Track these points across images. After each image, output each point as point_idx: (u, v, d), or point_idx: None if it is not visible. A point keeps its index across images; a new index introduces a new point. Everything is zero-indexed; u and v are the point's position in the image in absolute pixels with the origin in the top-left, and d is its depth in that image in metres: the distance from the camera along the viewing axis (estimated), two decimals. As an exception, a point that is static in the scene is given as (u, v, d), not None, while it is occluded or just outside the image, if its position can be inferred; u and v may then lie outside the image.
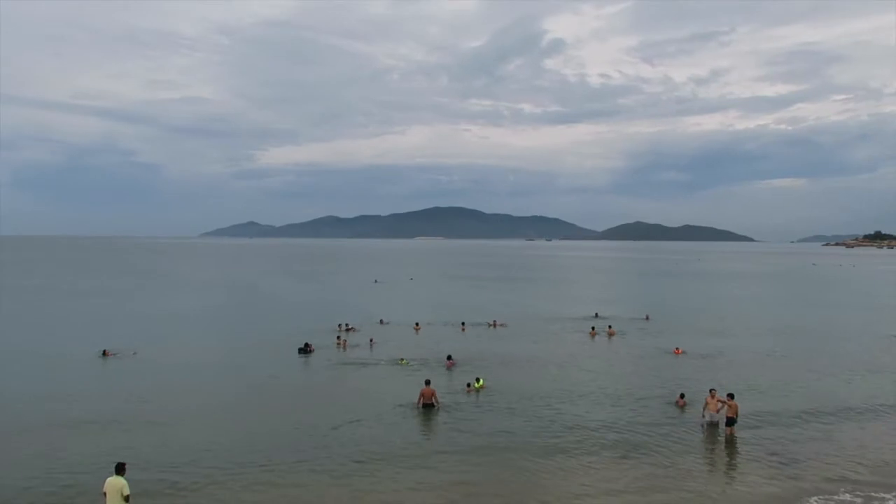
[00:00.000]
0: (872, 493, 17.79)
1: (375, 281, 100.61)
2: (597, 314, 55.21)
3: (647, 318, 54.47)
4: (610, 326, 47.46)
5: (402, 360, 35.15)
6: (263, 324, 51.61)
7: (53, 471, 18.82)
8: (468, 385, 29.07)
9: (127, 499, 14.98)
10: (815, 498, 17.43)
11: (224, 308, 64.42)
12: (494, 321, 50.50)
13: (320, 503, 17.06)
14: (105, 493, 15.07)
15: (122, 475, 15.26)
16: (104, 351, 36.58)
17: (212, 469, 19.04)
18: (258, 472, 18.80)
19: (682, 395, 26.74)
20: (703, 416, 24.13)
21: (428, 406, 25.80)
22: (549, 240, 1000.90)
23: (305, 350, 37.96)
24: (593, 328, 47.18)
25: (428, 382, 26.70)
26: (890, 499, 17.47)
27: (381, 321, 50.36)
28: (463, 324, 49.09)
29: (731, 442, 22.21)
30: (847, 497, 17.54)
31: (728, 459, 20.93)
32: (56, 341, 41.95)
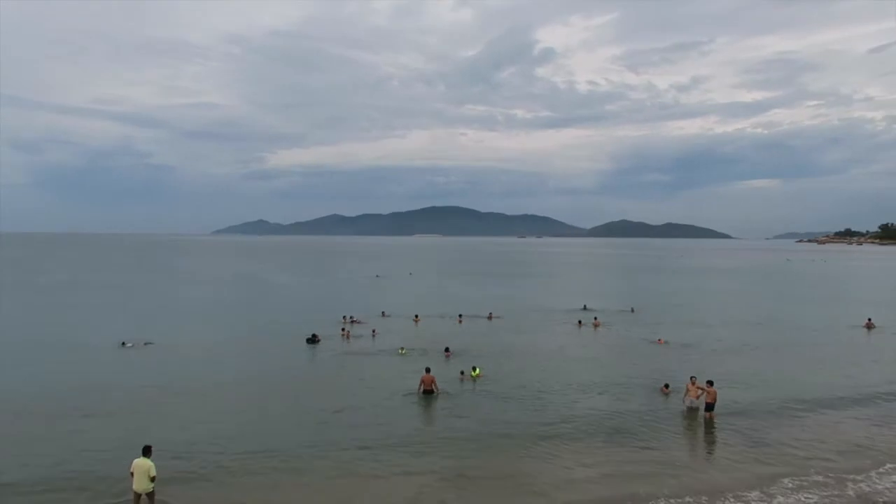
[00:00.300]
0: (843, 475, 17.87)
1: (377, 276, 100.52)
2: (585, 306, 55.25)
3: (633, 310, 54.53)
4: (595, 318, 47.56)
5: (402, 349, 35.14)
6: (273, 315, 51.48)
7: (76, 456, 18.86)
8: (461, 373, 29.07)
9: (153, 479, 15.16)
10: (789, 479, 17.50)
11: (236, 301, 64.33)
12: (490, 313, 50.52)
13: (325, 487, 17.05)
14: (132, 473, 15.23)
15: (149, 457, 15.43)
16: (123, 342, 36.56)
17: (221, 454, 19.07)
18: (265, 458, 18.81)
19: (667, 385, 26.75)
20: (685, 402, 24.21)
21: (428, 392, 25.83)
22: (540, 237, 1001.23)
23: (313, 340, 38.00)
24: (580, 321, 47.33)
25: (428, 370, 26.71)
26: (861, 479, 17.55)
27: (383, 313, 50.34)
28: (460, 316, 49.06)
29: (710, 426, 22.28)
30: (819, 478, 17.60)
31: (707, 443, 21.00)
32: (79, 332, 41.82)
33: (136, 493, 15.20)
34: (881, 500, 16.28)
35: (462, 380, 28.41)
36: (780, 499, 16.25)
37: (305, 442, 20.30)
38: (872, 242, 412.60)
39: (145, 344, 36.68)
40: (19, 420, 22.43)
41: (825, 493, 16.60)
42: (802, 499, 16.28)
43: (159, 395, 25.96)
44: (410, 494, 16.46)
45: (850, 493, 16.71)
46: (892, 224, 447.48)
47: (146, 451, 15.55)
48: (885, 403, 25.51)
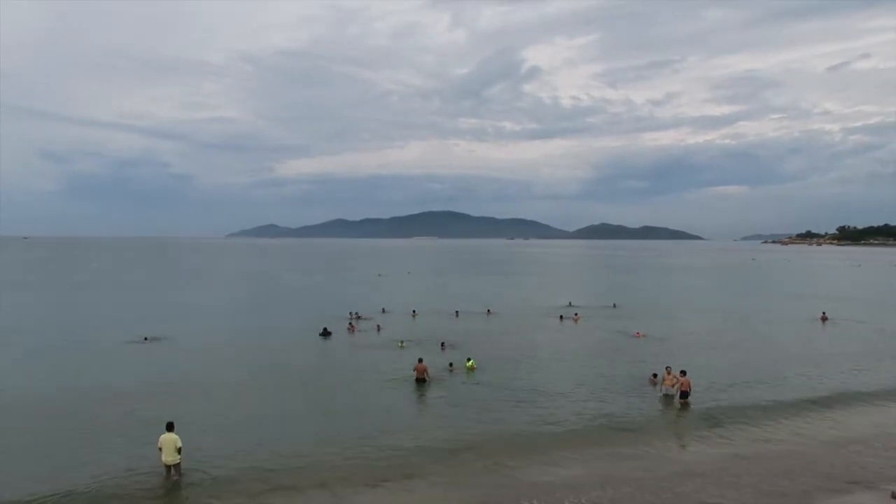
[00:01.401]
0: (806, 455, 18.02)
1: (378, 275, 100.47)
2: (570, 303, 55.37)
3: (615, 306, 54.68)
4: (576, 314, 47.79)
5: (402, 343, 35.20)
6: (287, 311, 51.38)
7: (98, 449, 18.85)
8: (450, 364, 29.00)
9: (179, 450, 15.82)
10: (752, 461, 17.62)
11: (252, 298, 64.16)
12: (489, 310, 50.61)
13: (328, 471, 17.06)
14: (161, 448, 15.80)
15: (173, 431, 16.02)
16: (145, 337, 36.48)
17: (237, 443, 19.12)
18: (277, 445, 18.86)
19: (655, 375, 26.37)
20: (661, 391, 24.35)
21: (421, 380, 26.05)
22: (527, 238, 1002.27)
23: (325, 333, 38.34)
24: (561, 315, 47.52)
25: (421, 360, 26.95)
26: (820, 459, 17.68)
27: (384, 310, 50.32)
28: (457, 312, 49.09)
29: (684, 411, 22.43)
30: (782, 462, 17.72)
31: (681, 428, 21.09)
32: (104, 327, 41.66)
33: (166, 465, 15.74)
34: (843, 479, 16.42)
35: (451, 371, 28.36)
36: (747, 478, 16.38)
37: (313, 427, 20.38)
38: (831, 243, 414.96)
39: (159, 339, 36.55)
40: (46, 418, 22.31)
41: (790, 479, 16.72)
42: (765, 480, 16.41)
43: (182, 386, 25.90)
44: (404, 475, 16.49)
45: (813, 471, 16.85)
46: (848, 226, 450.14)
47: (170, 427, 16.12)
48: (839, 391, 25.65)
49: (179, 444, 15.84)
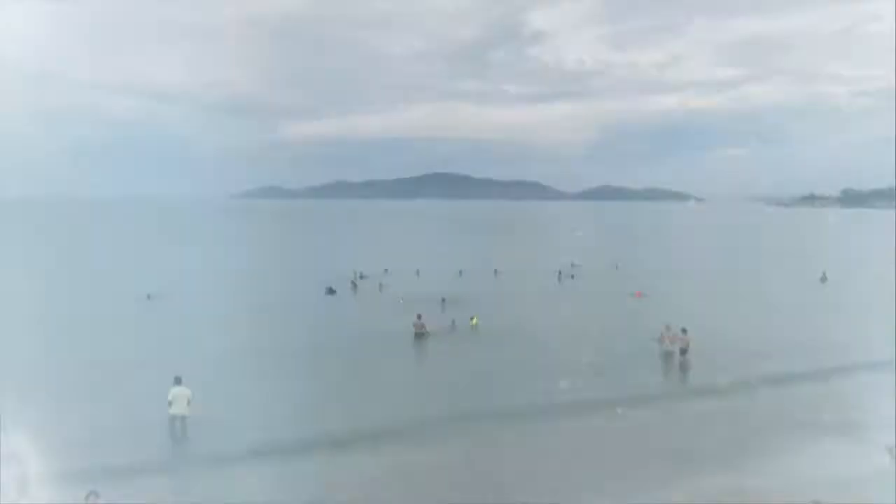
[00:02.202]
0: (799, 412, 18.17)
1: (381, 234, 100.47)
2: (573, 263, 55.17)
3: (617, 267, 54.63)
4: (572, 276, 48.02)
5: (402, 300, 35.52)
6: (292, 270, 51.85)
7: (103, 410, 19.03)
8: (452, 321, 29.26)
9: (188, 402, 15.94)
10: (751, 417, 17.82)
11: (256, 256, 64.11)
12: (496, 269, 50.66)
13: (330, 431, 17.21)
14: (171, 402, 15.86)
15: (181, 385, 16.14)
16: (148, 295, 36.59)
17: (244, 396, 19.35)
18: (284, 401, 19.12)
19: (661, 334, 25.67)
20: (661, 346, 24.31)
21: (420, 335, 26.84)
22: (530, 200, 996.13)
23: (331, 291, 39.16)
24: (560, 272, 48.38)
25: (419, 316, 27.50)
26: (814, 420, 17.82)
27: (386, 270, 50.33)
28: (461, 272, 49.18)
29: (684, 368, 22.55)
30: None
31: (681, 383, 21.19)
32: (109, 284, 41.87)
33: (173, 416, 15.82)
34: (835, 434, 16.53)
35: (453, 327, 28.60)
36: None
37: (314, 385, 20.75)
38: (834, 206, 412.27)
39: (168, 297, 36.68)
40: (46, 375, 22.10)
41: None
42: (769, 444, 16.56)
43: (185, 342, 26.04)
44: (400, 435, 16.69)
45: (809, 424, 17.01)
46: (853, 189, 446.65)
47: (178, 381, 16.20)
48: (833, 354, 25.49)
49: (191, 398, 15.87)
